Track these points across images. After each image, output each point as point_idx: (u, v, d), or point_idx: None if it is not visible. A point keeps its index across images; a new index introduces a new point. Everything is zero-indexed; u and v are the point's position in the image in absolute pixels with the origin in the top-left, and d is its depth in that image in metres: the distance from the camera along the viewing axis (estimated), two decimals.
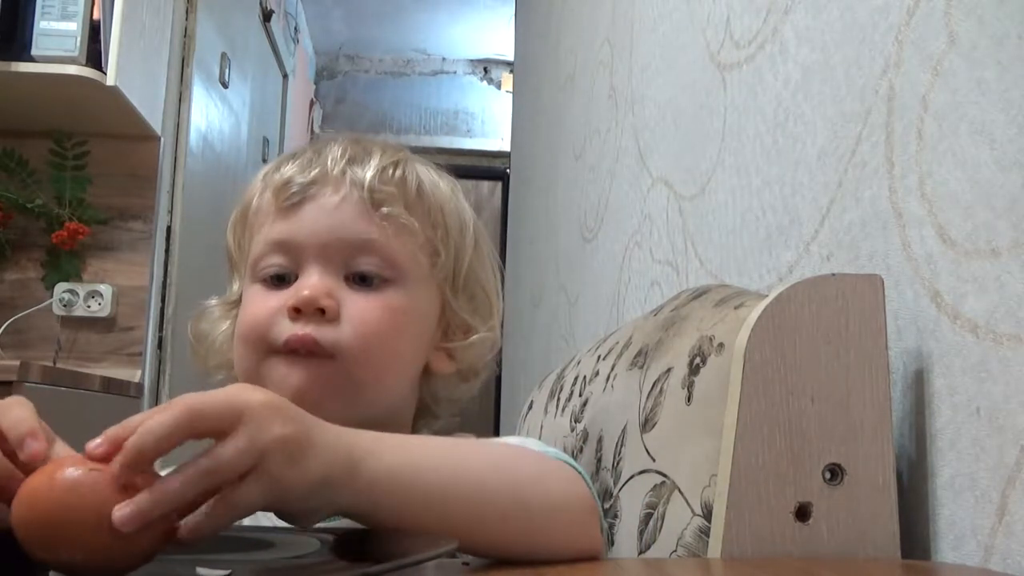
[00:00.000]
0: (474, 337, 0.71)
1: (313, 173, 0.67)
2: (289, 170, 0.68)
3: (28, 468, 0.42)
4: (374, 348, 0.64)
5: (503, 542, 0.51)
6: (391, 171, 0.68)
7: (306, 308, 0.63)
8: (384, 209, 0.66)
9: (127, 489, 0.38)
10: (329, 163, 0.67)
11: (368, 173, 0.67)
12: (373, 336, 0.64)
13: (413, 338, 0.68)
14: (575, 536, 0.55)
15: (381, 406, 0.66)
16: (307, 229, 0.66)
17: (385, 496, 0.46)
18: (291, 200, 0.66)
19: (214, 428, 0.41)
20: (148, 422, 0.40)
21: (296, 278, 0.66)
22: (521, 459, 0.56)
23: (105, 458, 0.39)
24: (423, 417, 0.73)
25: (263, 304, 0.65)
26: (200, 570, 0.40)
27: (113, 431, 0.40)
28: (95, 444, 0.40)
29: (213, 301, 0.75)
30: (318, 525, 0.46)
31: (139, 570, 0.40)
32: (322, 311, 0.63)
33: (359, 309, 0.64)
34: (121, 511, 0.38)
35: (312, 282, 0.64)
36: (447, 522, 0.48)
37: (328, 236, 0.65)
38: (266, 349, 0.64)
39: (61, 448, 0.46)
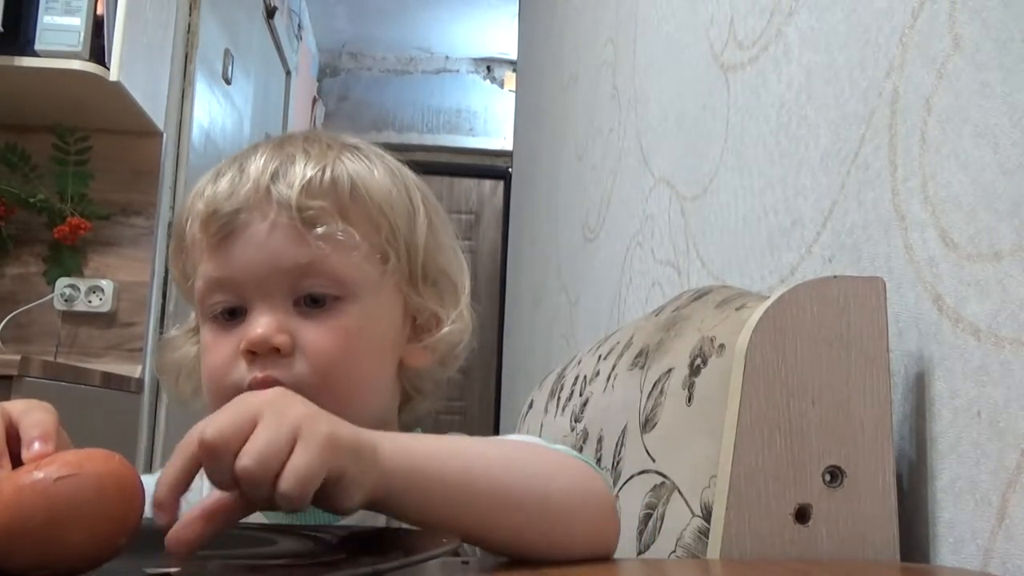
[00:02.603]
0: (445, 329, 0.68)
1: (238, 200, 0.63)
2: (213, 196, 0.64)
3: None
4: (337, 376, 0.62)
5: (522, 538, 0.51)
6: (318, 179, 0.63)
7: (259, 349, 0.61)
8: (318, 229, 0.62)
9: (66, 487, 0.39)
10: (251, 182, 0.63)
11: (294, 190, 0.62)
12: (333, 365, 0.62)
13: (377, 351, 0.66)
14: (591, 534, 0.54)
15: (364, 420, 0.64)
16: (242, 265, 0.62)
17: (405, 479, 0.46)
18: (219, 234, 0.63)
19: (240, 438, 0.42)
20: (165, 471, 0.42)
21: (246, 311, 0.63)
22: (539, 455, 0.56)
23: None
24: (407, 404, 0.72)
25: (219, 350, 0.63)
26: (147, 570, 0.40)
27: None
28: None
29: (173, 332, 0.74)
30: (315, 523, 0.46)
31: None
32: (277, 349, 0.61)
33: (313, 339, 0.62)
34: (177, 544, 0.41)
35: (262, 320, 0.61)
36: (467, 514, 0.48)
37: (265, 269, 0.62)
38: (231, 395, 0.61)
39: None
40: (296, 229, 0.62)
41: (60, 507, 0.38)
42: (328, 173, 0.64)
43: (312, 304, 0.63)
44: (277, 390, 0.46)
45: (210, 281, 0.64)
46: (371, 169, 0.66)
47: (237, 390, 0.60)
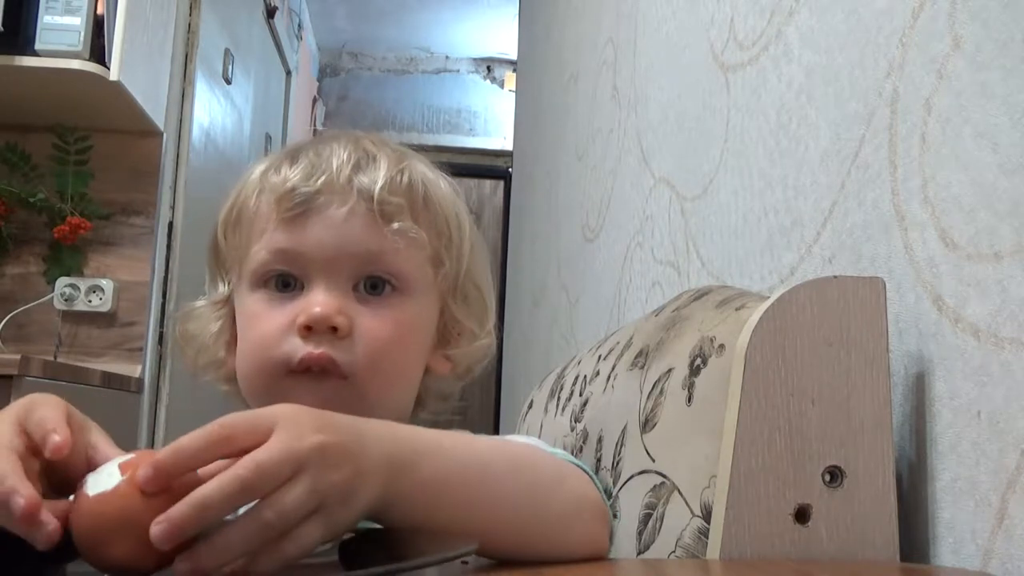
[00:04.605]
0: (473, 344, 0.72)
1: (319, 182, 0.65)
2: (291, 176, 0.66)
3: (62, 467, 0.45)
4: (385, 365, 0.64)
5: (519, 545, 0.51)
6: (399, 179, 0.66)
7: (318, 327, 0.62)
8: (395, 225, 0.65)
9: (159, 497, 0.40)
10: (334, 169, 0.65)
11: (376, 184, 0.65)
12: (384, 353, 0.64)
13: (417, 349, 0.68)
14: (587, 542, 0.55)
15: (390, 412, 0.65)
16: (313, 242, 0.64)
17: (416, 507, 0.47)
18: (295, 211, 0.64)
19: (248, 442, 0.41)
20: (181, 439, 0.41)
21: (302, 287, 0.64)
22: (541, 462, 0.56)
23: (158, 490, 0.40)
24: (416, 408, 0.73)
25: (271, 320, 0.64)
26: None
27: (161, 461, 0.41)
28: (146, 478, 0.41)
29: (200, 302, 0.74)
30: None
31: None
32: (334, 328, 0.62)
33: (370, 326, 0.63)
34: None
35: (322, 299, 0.63)
36: (470, 527, 0.48)
37: (336, 251, 0.64)
38: (279, 367, 0.63)
39: (98, 437, 0.49)
40: (373, 220, 0.65)
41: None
42: (407, 176, 0.67)
43: (370, 291, 0.65)
44: (310, 414, 0.45)
45: (276, 252, 0.65)
46: (438, 182, 0.71)
47: (287, 362, 0.62)
